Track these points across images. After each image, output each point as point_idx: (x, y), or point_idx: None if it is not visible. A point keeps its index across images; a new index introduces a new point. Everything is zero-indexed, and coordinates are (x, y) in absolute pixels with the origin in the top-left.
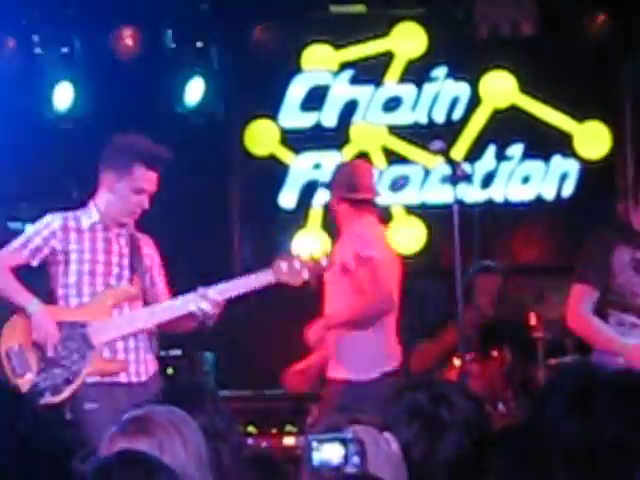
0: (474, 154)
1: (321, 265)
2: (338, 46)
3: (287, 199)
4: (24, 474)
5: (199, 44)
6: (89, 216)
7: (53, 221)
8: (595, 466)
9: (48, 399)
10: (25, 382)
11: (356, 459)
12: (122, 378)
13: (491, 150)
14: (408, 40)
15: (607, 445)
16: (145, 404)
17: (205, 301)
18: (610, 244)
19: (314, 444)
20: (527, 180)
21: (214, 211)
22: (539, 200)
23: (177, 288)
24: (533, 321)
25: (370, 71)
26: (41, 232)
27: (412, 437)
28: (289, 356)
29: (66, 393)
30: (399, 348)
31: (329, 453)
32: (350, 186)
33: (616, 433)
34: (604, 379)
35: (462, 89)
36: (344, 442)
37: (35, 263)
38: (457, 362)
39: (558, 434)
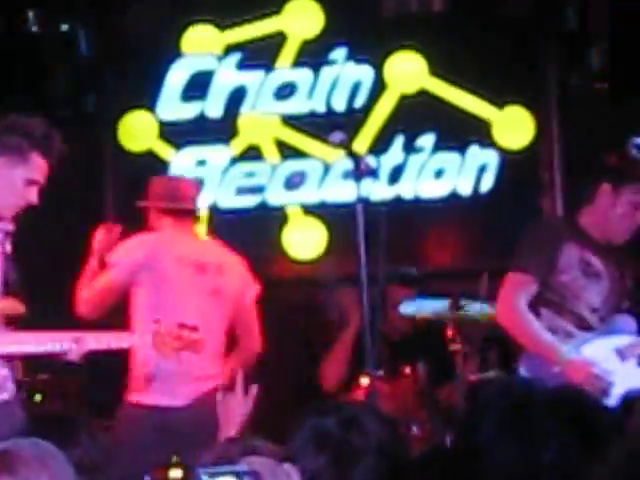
0: (379, 146)
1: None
2: (223, 27)
3: None
4: None
5: (64, 27)
6: None
7: None
8: None
9: None
10: None
11: None
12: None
13: (399, 141)
14: (302, 19)
15: (546, 472)
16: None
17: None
18: (561, 237)
19: (204, 477)
20: (440, 174)
21: (85, 216)
22: (454, 196)
23: (46, 302)
24: (449, 332)
25: (260, 54)
26: None
27: (320, 467)
28: None
29: None
30: None
31: None
32: (171, 197)
33: (556, 457)
34: (541, 396)
35: (365, 73)
36: (238, 475)
37: None
38: (365, 381)
39: (490, 460)
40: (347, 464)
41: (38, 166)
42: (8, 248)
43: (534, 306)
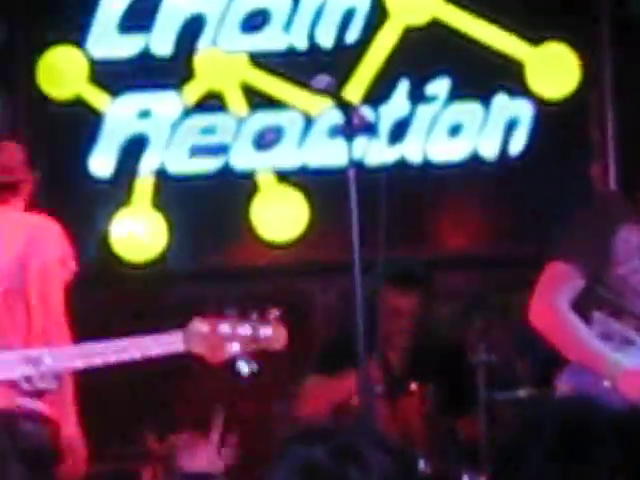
0: (378, 94)
1: (261, 338)
2: None
3: (100, 163)
4: None
5: None
6: None
7: None
8: None
9: None
10: None
11: None
12: None
13: (403, 88)
14: None
15: None
16: None
17: (34, 368)
18: (617, 217)
19: None
20: (457, 131)
21: None
22: (475, 160)
23: None
24: (470, 338)
25: None
26: None
27: None
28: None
29: None
30: None
31: None
32: None
33: None
34: (603, 420)
35: None
36: None
37: None
38: (356, 400)
39: None
40: None
41: None
42: None
43: (583, 307)
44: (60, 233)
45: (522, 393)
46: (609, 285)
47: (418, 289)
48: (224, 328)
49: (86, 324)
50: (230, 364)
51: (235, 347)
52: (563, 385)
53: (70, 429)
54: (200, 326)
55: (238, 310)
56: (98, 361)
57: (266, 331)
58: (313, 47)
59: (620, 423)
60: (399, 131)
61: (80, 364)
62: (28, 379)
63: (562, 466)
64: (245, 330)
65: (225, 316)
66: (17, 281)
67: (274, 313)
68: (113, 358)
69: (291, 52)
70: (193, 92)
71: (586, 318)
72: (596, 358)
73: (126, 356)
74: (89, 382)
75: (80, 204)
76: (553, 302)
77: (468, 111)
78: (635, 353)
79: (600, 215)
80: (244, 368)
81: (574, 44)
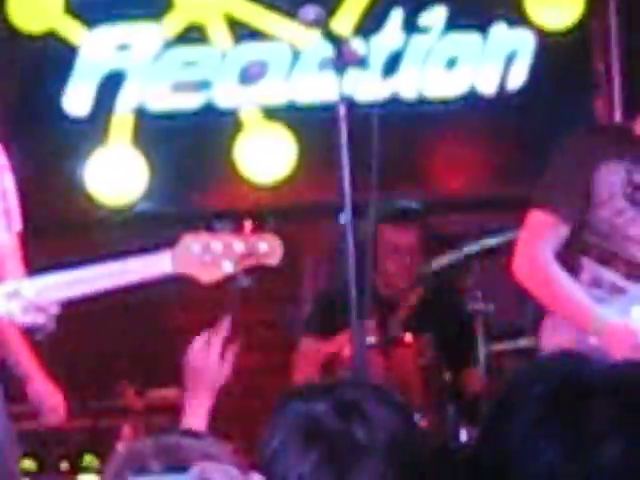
0: (369, 24)
1: (258, 253)
2: None
3: (76, 100)
4: None
5: None
6: None
7: None
8: None
9: None
10: None
11: None
12: None
13: (396, 17)
14: None
15: (605, 477)
16: None
17: (15, 302)
18: (594, 156)
19: None
20: (454, 63)
21: None
22: (473, 94)
23: None
24: (468, 284)
25: None
26: None
27: (309, 471)
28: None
29: None
30: None
31: None
32: None
33: (619, 459)
34: (597, 377)
35: None
36: None
37: None
38: (347, 351)
39: (526, 466)
40: (345, 465)
41: None
42: None
43: (570, 254)
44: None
45: (522, 343)
46: (595, 229)
47: (416, 224)
48: (217, 245)
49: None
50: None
51: (229, 265)
52: (547, 341)
53: (37, 384)
54: (190, 244)
55: (231, 224)
56: (83, 289)
57: (261, 245)
58: None
59: (615, 377)
60: (392, 64)
61: (64, 294)
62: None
63: (551, 432)
64: (239, 246)
65: (217, 232)
66: None
67: (269, 226)
68: (98, 285)
69: None
70: (173, 24)
71: (574, 265)
72: (581, 313)
73: (112, 282)
74: (68, 332)
75: (54, 144)
76: (535, 254)
77: (465, 42)
78: (625, 303)
79: (576, 153)
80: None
81: None
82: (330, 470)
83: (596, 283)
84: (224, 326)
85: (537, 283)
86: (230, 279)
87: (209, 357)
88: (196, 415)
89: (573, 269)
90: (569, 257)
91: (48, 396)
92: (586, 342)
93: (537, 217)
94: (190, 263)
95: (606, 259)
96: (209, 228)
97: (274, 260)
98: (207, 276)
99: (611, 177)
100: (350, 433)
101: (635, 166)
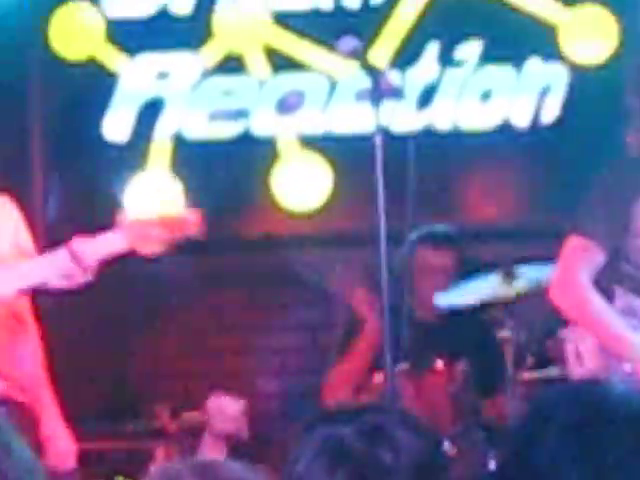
0: (406, 57)
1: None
2: None
3: (116, 126)
4: None
5: None
6: None
7: None
8: None
9: None
10: None
11: None
12: None
13: (432, 51)
14: None
15: None
16: None
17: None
18: (634, 188)
19: None
20: (488, 96)
21: (5, 149)
22: (507, 127)
23: None
24: (498, 313)
25: None
26: None
27: None
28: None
29: None
30: None
31: None
32: None
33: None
34: (620, 404)
35: None
36: None
37: None
38: (379, 378)
39: None
40: None
41: None
42: None
43: (604, 282)
44: (16, 215)
45: (553, 372)
46: (630, 258)
47: (452, 248)
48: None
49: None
50: None
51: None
52: (577, 368)
53: (50, 422)
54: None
55: None
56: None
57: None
58: (339, 7)
59: (635, 409)
60: (427, 96)
61: None
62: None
63: (576, 453)
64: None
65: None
66: None
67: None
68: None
69: (316, 13)
70: (212, 53)
71: (608, 293)
72: (617, 340)
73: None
74: (101, 354)
75: (94, 170)
76: (574, 279)
77: (499, 76)
78: None
79: (619, 183)
80: None
81: (611, 6)
82: None
83: (630, 312)
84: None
85: (574, 307)
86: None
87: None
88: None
89: (607, 297)
90: (604, 284)
91: (60, 437)
92: (620, 369)
93: (576, 243)
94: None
95: (638, 288)
96: None
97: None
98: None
99: None
100: (375, 456)
101: None
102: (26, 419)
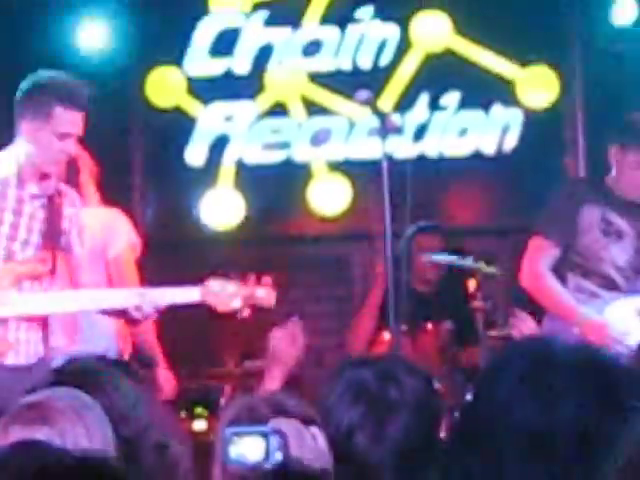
0: (404, 104)
1: (257, 297)
2: None
3: (195, 155)
4: None
5: None
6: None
7: None
8: (550, 452)
9: None
10: None
11: (278, 455)
12: (9, 359)
13: (423, 99)
14: None
15: (563, 427)
16: (36, 387)
17: (144, 300)
18: (580, 199)
19: (232, 437)
20: (464, 132)
21: (113, 172)
22: (478, 154)
23: None
24: (472, 289)
25: (287, 11)
26: None
27: (357, 419)
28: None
29: None
30: None
31: (248, 448)
32: None
33: (573, 413)
34: (560, 353)
35: (390, 31)
36: (265, 436)
37: None
38: (387, 336)
39: (509, 416)
40: (383, 416)
41: (65, 119)
42: (54, 207)
43: (560, 270)
44: (127, 222)
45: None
46: (578, 252)
47: (437, 234)
48: (231, 288)
49: (183, 271)
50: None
51: (237, 302)
52: (544, 330)
53: (160, 369)
54: (213, 285)
55: (241, 275)
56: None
57: (259, 292)
58: (355, 68)
59: (574, 354)
60: (420, 132)
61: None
62: (138, 308)
63: (527, 390)
64: (244, 291)
65: (231, 278)
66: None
67: (267, 279)
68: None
69: (339, 72)
70: (264, 102)
71: (563, 278)
72: (569, 311)
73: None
74: (191, 318)
75: (179, 186)
76: (536, 268)
77: (472, 117)
78: (600, 305)
79: (568, 198)
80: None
81: (553, 66)
82: (372, 419)
83: (579, 290)
84: (294, 321)
85: (538, 289)
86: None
87: (285, 342)
88: (273, 382)
89: (562, 280)
90: (559, 271)
91: (165, 379)
92: (571, 331)
93: (537, 242)
94: (211, 297)
95: (586, 274)
96: (225, 275)
97: (268, 303)
98: (221, 307)
99: (590, 216)
100: (386, 393)
101: (607, 208)
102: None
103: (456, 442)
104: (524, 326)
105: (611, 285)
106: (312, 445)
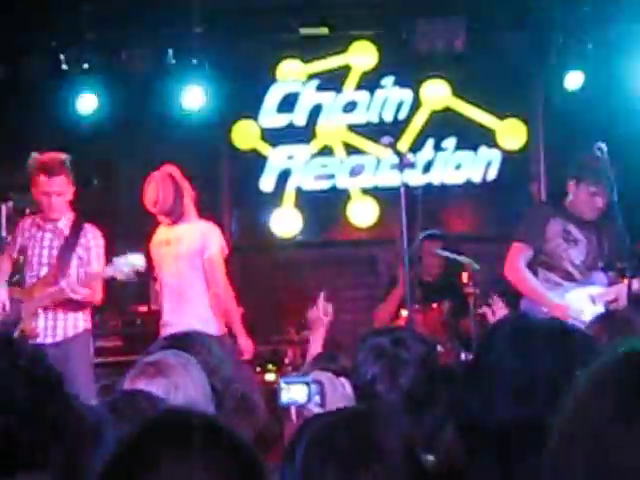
0: (416, 146)
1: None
2: (306, 60)
3: (266, 184)
4: (33, 403)
5: (194, 61)
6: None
7: (19, 222)
8: (530, 397)
9: None
10: None
11: (317, 398)
12: (39, 339)
13: (430, 143)
14: (362, 55)
15: (541, 380)
16: (151, 351)
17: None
18: (547, 216)
19: (283, 385)
20: (459, 167)
21: (208, 195)
22: (469, 182)
23: None
24: (465, 279)
25: (332, 81)
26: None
27: (377, 373)
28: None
29: None
30: None
31: (296, 393)
32: None
33: (549, 369)
34: (536, 325)
35: (406, 95)
36: (307, 384)
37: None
38: (404, 313)
39: (500, 371)
40: (396, 371)
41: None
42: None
43: (533, 266)
44: (218, 232)
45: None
46: (546, 253)
47: (440, 239)
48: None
49: (259, 267)
50: None
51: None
52: (520, 309)
53: (242, 338)
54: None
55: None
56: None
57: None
58: (381, 121)
59: (546, 325)
60: (427, 167)
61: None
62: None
63: (513, 351)
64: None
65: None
66: (196, 265)
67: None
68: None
69: (369, 124)
70: (316, 145)
71: (535, 272)
72: (539, 296)
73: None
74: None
75: (256, 206)
76: (516, 265)
77: (465, 156)
78: (562, 292)
79: (538, 215)
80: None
81: (522, 119)
82: (388, 373)
83: (546, 281)
84: (321, 295)
85: (517, 280)
86: None
87: (321, 313)
88: (316, 345)
89: (534, 273)
90: (532, 267)
91: (245, 345)
92: (541, 311)
93: (516, 246)
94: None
95: (551, 269)
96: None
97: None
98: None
99: (554, 228)
100: (398, 354)
101: (566, 222)
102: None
103: (461, 387)
104: (497, 308)
105: (570, 277)
106: (342, 391)
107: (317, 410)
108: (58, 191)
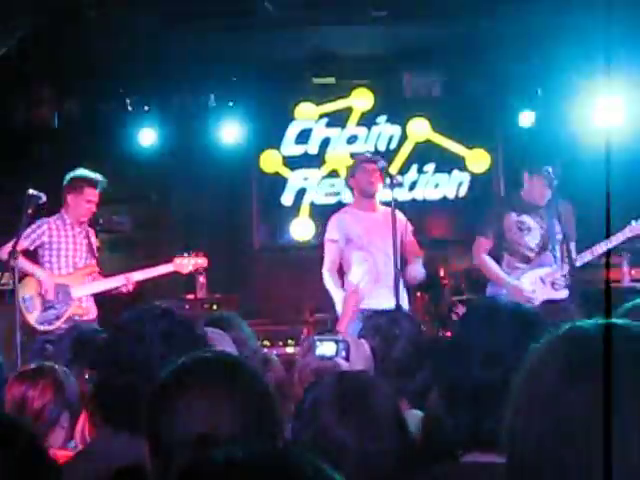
0: (403, 170)
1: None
2: (318, 103)
3: (287, 199)
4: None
5: (231, 103)
6: (64, 219)
7: (42, 224)
8: (498, 363)
9: (46, 327)
10: (32, 317)
11: (343, 353)
12: (87, 317)
13: (414, 167)
14: (362, 99)
15: (503, 350)
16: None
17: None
18: (503, 212)
19: (317, 342)
20: (437, 186)
21: (240, 209)
22: (444, 199)
23: (223, 258)
24: (441, 273)
25: (338, 119)
26: (35, 230)
27: (375, 345)
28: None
29: (57, 324)
30: None
31: (327, 348)
32: None
33: (512, 340)
34: (502, 306)
35: (396, 130)
36: (336, 342)
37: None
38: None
39: (473, 341)
40: (390, 344)
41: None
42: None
43: (497, 251)
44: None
45: (465, 297)
46: (506, 241)
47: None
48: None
49: (281, 264)
50: None
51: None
52: (487, 292)
53: None
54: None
55: None
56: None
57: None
58: (376, 150)
59: (509, 306)
60: (412, 186)
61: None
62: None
63: (484, 326)
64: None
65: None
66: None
67: None
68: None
69: (367, 152)
70: (325, 169)
71: (499, 257)
72: (501, 280)
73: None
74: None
75: (278, 218)
76: (481, 255)
77: (442, 178)
78: (520, 274)
79: (496, 212)
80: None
81: (486, 148)
82: (383, 346)
83: (508, 265)
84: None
85: (483, 267)
86: None
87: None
88: (344, 320)
89: (498, 259)
90: (496, 254)
91: None
92: (502, 293)
93: (480, 240)
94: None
95: (512, 254)
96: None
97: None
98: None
99: (510, 220)
100: (392, 329)
101: (520, 213)
102: None
103: (443, 356)
104: (459, 311)
105: (527, 260)
106: (362, 349)
107: (343, 363)
108: (96, 202)
